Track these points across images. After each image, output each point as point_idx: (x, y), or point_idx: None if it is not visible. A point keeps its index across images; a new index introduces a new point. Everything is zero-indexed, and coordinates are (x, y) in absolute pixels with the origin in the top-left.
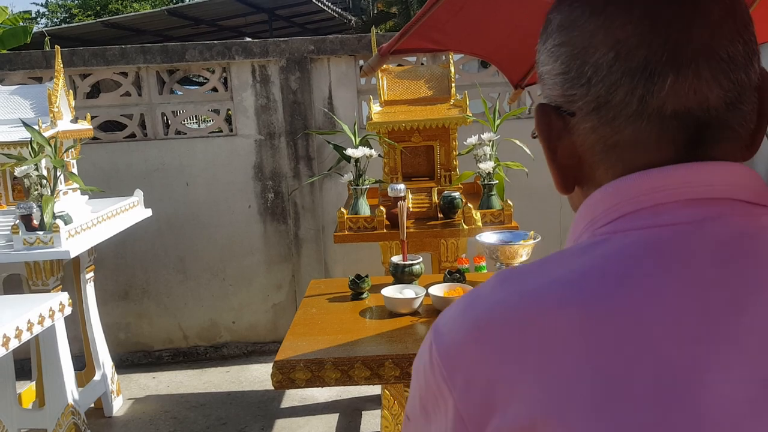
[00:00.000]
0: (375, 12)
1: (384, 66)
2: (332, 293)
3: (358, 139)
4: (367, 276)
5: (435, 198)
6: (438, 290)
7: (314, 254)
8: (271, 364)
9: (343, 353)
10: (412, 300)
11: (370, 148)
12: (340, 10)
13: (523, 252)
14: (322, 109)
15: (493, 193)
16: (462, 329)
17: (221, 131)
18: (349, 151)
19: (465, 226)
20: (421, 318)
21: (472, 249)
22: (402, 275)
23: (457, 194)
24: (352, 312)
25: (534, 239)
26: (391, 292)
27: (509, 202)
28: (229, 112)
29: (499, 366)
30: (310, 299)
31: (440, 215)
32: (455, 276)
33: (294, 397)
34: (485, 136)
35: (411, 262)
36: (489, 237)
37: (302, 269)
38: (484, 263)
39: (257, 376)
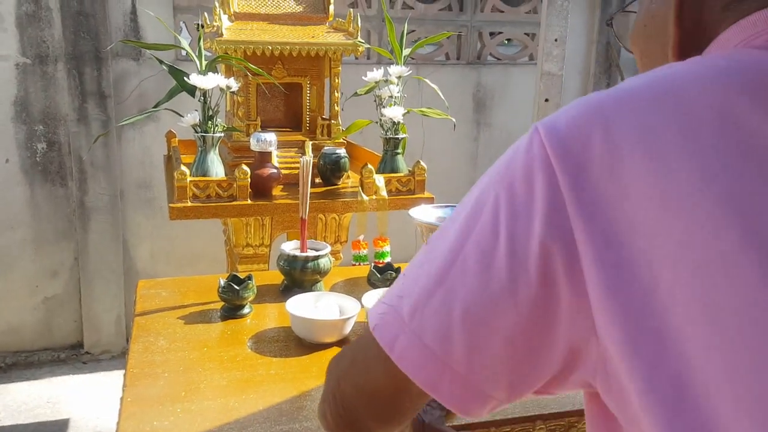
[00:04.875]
0: None
1: None
2: (184, 305)
3: (204, 63)
4: (250, 278)
5: (309, 156)
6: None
7: (109, 229)
8: (43, 381)
9: None
10: (343, 322)
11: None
12: None
13: None
14: (122, 27)
15: (398, 151)
16: (579, 111)
17: None
18: (195, 80)
19: (364, 197)
20: None
21: (372, 229)
22: (302, 274)
23: (342, 151)
24: (234, 343)
25: None
26: (302, 306)
27: (422, 163)
28: None
29: (622, 153)
30: (148, 319)
31: (318, 180)
32: (388, 275)
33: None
34: (393, 69)
35: (316, 253)
36: (426, 213)
37: (90, 250)
38: (388, 247)
39: (24, 400)
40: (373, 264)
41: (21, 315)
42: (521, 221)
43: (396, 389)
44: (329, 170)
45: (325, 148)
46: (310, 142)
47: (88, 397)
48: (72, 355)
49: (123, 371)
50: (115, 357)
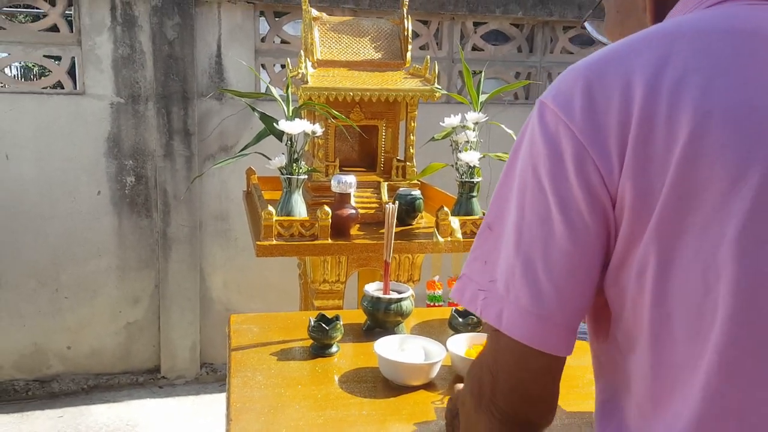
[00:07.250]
0: None
1: (316, 14)
2: (274, 342)
3: (290, 109)
4: (338, 318)
5: (385, 196)
6: (460, 346)
7: (188, 259)
8: (122, 404)
9: None
10: (429, 366)
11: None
12: None
13: None
14: (207, 69)
15: (473, 194)
16: (571, 71)
17: (62, 87)
18: (283, 125)
19: (440, 238)
20: (440, 393)
21: (445, 270)
22: (385, 315)
23: (417, 192)
24: (325, 382)
25: None
26: (388, 349)
27: None
28: (76, 63)
29: (623, 73)
30: (244, 354)
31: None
32: (470, 320)
33: None
34: (471, 116)
35: (399, 296)
36: None
37: (170, 278)
38: None
39: (104, 422)
40: (454, 309)
41: (103, 339)
42: (558, 173)
43: (526, 371)
44: (404, 211)
45: (401, 189)
46: (386, 184)
47: (165, 421)
48: (149, 379)
49: (196, 397)
50: (188, 382)
